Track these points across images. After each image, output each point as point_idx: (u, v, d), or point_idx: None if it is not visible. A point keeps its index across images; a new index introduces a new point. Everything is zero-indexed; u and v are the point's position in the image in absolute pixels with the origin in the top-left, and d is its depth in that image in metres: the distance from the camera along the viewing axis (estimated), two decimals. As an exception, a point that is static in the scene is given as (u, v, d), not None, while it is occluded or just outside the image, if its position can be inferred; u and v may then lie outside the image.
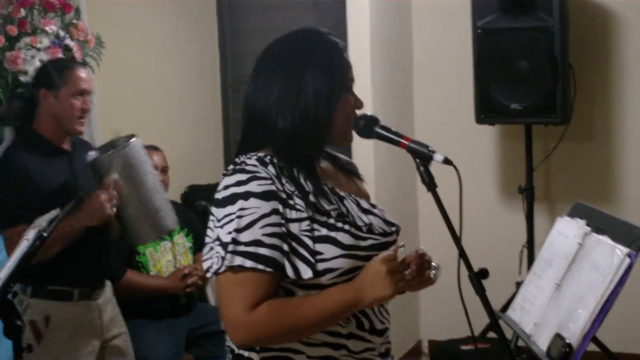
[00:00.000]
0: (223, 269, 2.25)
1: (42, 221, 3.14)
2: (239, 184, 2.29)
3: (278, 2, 6.27)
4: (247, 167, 2.32)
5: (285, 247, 2.27)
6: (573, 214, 3.12)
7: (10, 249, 3.77)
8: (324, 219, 2.34)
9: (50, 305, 3.90)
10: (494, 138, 5.73)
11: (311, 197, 2.35)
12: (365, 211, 2.45)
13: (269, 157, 2.36)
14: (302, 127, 2.37)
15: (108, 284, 4.17)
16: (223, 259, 2.25)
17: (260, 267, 2.24)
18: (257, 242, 2.24)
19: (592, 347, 4.83)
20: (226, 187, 2.31)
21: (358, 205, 2.46)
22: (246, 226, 2.25)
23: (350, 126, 2.47)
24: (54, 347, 3.89)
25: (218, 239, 2.28)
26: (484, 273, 2.55)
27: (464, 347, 5.30)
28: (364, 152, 5.21)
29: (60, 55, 4.27)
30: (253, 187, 2.28)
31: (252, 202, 2.26)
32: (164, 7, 5.99)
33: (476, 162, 5.76)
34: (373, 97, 5.30)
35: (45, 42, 4.25)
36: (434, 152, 2.43)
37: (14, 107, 4.26)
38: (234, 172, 2.33)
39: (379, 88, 5.41)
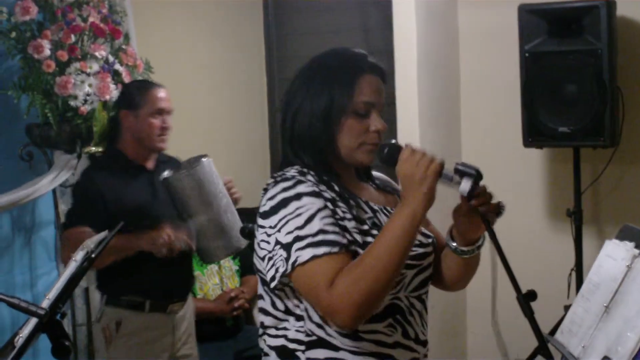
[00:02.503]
0: (290, 268, 2.27)
1: (91, 243, 3.17)
2: (285, 189, 2.34)
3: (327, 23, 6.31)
4: (288, 175, 2.39)
5: (348, 237, 2.30)
6: (621, 236, 3.09)
7: (64, 250, 3.92)
8: (361, 226, 2.37)
9: (123, 313, 3.97)
10: (542, 161, 5.69)
11: (351, 203, 2.39)
12: None
13: (305, 169, 2.41)
14: (300, 139, 2.44)
15: (190, 302, 4.20)
16: (288, 259, 2.27)
17: (334, 249, 2.26)
18: (322, 231, 2.27)
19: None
20: (272, 197, 2.36)
21: None
22: (306, 221, 2.28)
23: (364, 149, 2.47)
24: (122, 352, 3.94)
25: (277, 243, 2.30)
26: (532, 295, 2.53)
27: (512, 372, 5.26)
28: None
29: (109, 80, 4.33)
30: (301, 188, 2.33)
31: (305, 200, 2.31)
32: (212, 30, 6.05)
33: (524, 186, 5.72)
34: (420, 119, 5.30)
35: (95, 67, 4.31)
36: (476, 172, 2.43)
37: (64, 131, 4.33)
38: (276, 183, 2.38)
39: (425, 111, 5.41)
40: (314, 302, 2.31)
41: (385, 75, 2.54)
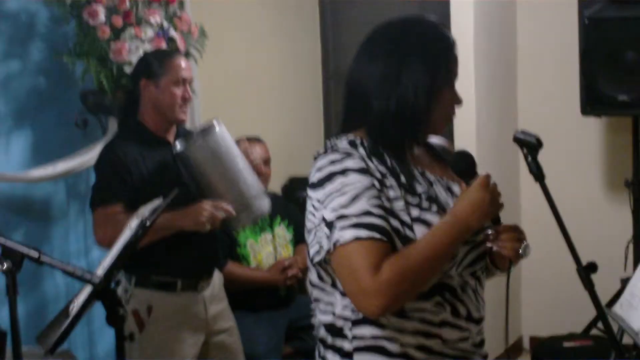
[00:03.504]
0: (332, 247, 2.24)
1: (145, 211, 3.16)
2: (333, 162, 2.30)
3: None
4: (339, 147, 2.34)
5: (393, 222, 2.26)
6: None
7: (99, 228, 3.85)
8: (415, 200, 2.33)
9: (153, 296, 3.92)
10: (601, 130, 5.62)
11: (402, 179, 2.34)
12: (455, 195, 2.43)
13: (359, 139, 2.37)
14: (397, 114, 2.35)
15: (217, 277, 4.17)
16: (330, 237, 2.24)
17: (377, 235, 2.22)
18: (367, 213, 2.23)
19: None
20: (320, 169, 2.32)
21: (449, 189, 2.45)
22: (352, 200, 2.24)
23: (446, 121, 2.45)
24: (156, 337, 3.90)
25: (323, 219, 2.27)
26: (592, 267, 2.49)
27: (567, 344, 5.20)
28: (465, 141, 5.17)
29: (164, 46, 4.31)
30: (350, 164, 2.28)
31: (352, 177, 2.26)
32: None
33: (582, 155, 5.67)
34: (476, 89, 5.26)
35: (150, 33, 4.29)
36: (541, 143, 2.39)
37: (119, 98, 4.31)
38: (326, 154, 2.34)
39: (482, 81, 5.36)
40: (351, 284, 2.26)
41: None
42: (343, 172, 2.27)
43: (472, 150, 5.13)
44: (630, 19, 4.87)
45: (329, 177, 2.28)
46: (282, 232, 4.97)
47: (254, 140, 4.86)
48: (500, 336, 3.05)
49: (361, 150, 2.34)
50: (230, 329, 4.20)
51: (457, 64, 2.47)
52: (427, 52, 2.40)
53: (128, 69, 4.22)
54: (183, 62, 4.00)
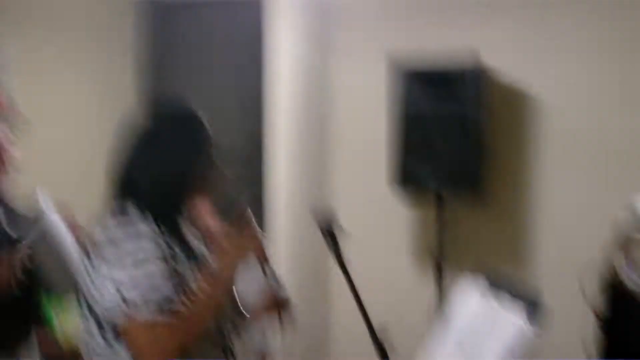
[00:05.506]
0: (119, 309, 2.46)
1: None
2: (125, 225, 2.50)
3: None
4: (130, 212, 2.55)
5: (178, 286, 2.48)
6: (476, 276, 3.19)
7: None
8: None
9: None
10: (408, 202, 5.84)
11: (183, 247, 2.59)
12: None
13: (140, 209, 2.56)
14: (158, 194, 2.59)
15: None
16: (118, 298, 2.44)
17: (164, 302, 2.44)
18: (153, 287, 2.44)
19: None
20: (110, 229, 2.51)
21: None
22: (142, 262, 2.44)
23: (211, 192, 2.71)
24: None
25: (110, 277, 2.46)
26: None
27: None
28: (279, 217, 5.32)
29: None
30: (142, 228, 2.49)
31: (144, 242, 2.47)
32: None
33: (389, 224, 5.91)
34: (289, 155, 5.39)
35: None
36: None
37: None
38: (115, 216, 2.54)
39: (295, 148, 5.52)
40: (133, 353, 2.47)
41: None
42: (137, 235, 2.49)
43: (284, 217, 5.30)
44: (441, 112, 5.19)
45: (123, 239, 2.48)
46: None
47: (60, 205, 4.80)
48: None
49: (148, 216, 2.54)
50: None
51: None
52: (182, 145, 2.62)
53: None
54: None
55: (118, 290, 2.42)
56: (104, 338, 2.53)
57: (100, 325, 2.53)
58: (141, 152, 2.62)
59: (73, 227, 3.94)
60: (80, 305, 2.59)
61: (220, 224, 2.63)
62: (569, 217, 5.51)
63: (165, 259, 2.47)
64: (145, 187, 2.57)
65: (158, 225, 2.54)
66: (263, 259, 2.61)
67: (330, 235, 2.65)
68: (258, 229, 2.55)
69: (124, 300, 2.41)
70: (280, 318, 2.85)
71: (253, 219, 2.56)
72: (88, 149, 5.97)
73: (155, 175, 2.58)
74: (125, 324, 2.42)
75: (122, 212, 2.54)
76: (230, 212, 2.58)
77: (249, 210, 2.56)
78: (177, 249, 2.55)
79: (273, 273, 2.67)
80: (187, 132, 2.63)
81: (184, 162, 2.60)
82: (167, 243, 2.52)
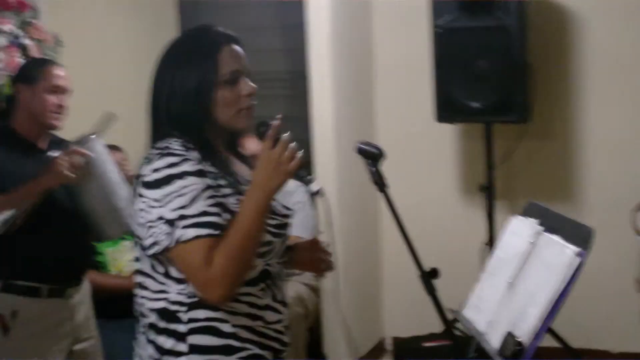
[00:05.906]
0: (174, 243, 2.42)
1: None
2: (171, 165, 2.46)
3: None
4: (174, 151, 2.50)
5: (226, 215, 2.47)
6: (526, 213, 3.14)
7: None
8: (238, 197, 2.54)
9: (19, 301, 3.89)
10: (455, 136, 5.76)
11: (228, 178, 2.56)
12: None
13: (186, 142, 2.54)
14: (181, 120, 2.57)
15: (86, 284, 4.15)
16: (170, 234, 2.42)
17: (215, 232, 2.42)
18: (204, 213, 2.43)
19: (553, 342, 4.89)
20: (157, 170, 2.48)
21: None
22: (191, 201, 2.42)
23: (239, 114, 2.62)
24: (19, 343, 3.87)
25: (161, 217, 2.44)
26: (434, 273, 2.58)
27: (426, 344, 5.32)
28: (323, 146, 5.26)
29: (17, 53, 4.27)
30: (187, 167, 2.46)
31: (190, 179, 2.45)
32: (126, 12, 6.00)
33: (437, 161, 5.79)
34: (333, 95, 5.33)
35: (2, 41, 4.24)
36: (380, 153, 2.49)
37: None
38: (162, 155, 2.50)
39: (339, 88, 5.43)
40: (192, 278, 2.46)
41: (240, 42, 2.68)
42: (182, 174, 2.45)
43: (330, 156, 5.28)
44: (480, 29, 5.02)
45: (168, 179, 2.45)
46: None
47: (114, 149, 4.84)
48: (363, 337, 3.13)
49: (195, 153, 2.51)
50: (91, 338, 4.19)
51: (238, 60, 2.63)
52: (192, 57, 2.60)
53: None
54: (60, 71, 4.01)
55: (168, 225, 2.42)
56: (158, 274, 2.55)
57: (152, 265, 2.55)
58: (162, 76, 2.63)
59: (123, 168, 4.17)
60: (134, 245, 2.60)
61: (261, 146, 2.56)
62: (622, 152, 5.42)
63: (211, 190, 2.47)
64: (177, 109, 2.58)
65: (202, 157, 2.52)
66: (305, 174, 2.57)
67: (377, 174, 2.58)
68: (296, 149, 2.48)
69: (173, 233, 2.41)
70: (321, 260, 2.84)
71: (290, 141, 2.48)
72: (132, 88, 5.98)
73: (178, 94, 2.58)
74: (177, 249, 2.43)
75: (164, 148, 2.51)
76: (264, 134, 2.53)
77: (286, 132, 2.48)
78: (222, 181, 2.53)
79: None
80: (196, 43, 2.63)
81: (198, 72, 2.58)
82: (212, 173, 2.51)
